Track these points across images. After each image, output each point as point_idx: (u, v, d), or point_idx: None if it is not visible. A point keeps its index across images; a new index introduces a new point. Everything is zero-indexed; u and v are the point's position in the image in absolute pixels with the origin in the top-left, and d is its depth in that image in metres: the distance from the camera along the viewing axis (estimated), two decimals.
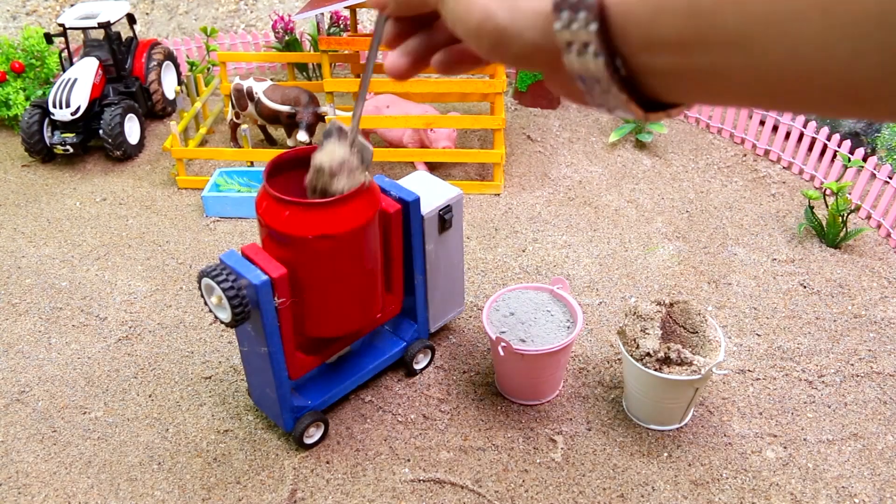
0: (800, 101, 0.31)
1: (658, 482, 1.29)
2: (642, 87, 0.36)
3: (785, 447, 1.34)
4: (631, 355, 1.31)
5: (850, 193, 1.96)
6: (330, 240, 1.16)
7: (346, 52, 2.54)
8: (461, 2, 0.42)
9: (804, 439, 1.36)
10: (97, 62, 2.37)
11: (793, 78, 0.30)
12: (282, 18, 2.74)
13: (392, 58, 0.52)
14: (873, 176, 1.95)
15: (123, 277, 1.84)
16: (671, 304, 1.37)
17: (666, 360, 1.28)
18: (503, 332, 1.38)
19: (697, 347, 1.34)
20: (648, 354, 1.29)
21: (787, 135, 2.23)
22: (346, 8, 2.15)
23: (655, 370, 1.28)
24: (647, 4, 0.33)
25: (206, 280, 1.15)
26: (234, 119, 2.31)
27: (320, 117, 2.20)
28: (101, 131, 2.26)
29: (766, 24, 0.29)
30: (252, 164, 2.21)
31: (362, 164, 1.08)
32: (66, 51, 2.43)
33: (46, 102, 2.27)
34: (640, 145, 2.33)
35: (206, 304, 1.18)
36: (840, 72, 0.28)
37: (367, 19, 3.19)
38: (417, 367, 1.51)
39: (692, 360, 1.26)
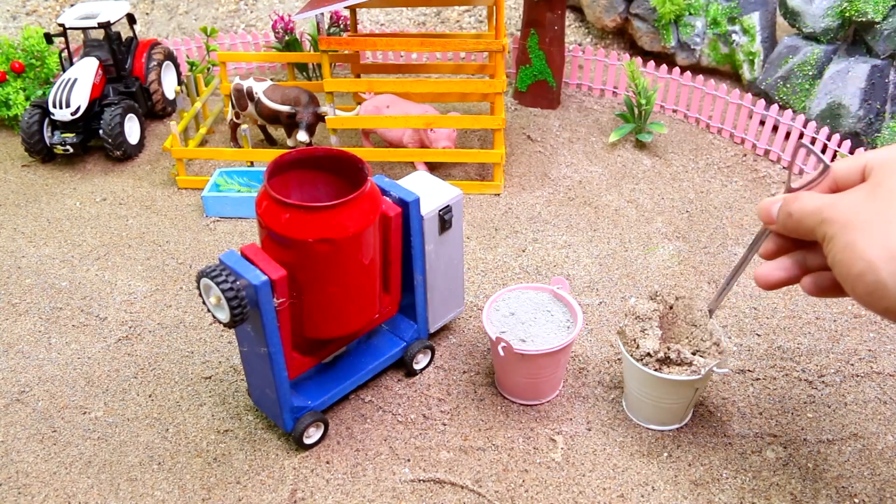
0: None
1: (658, 482, 1.29)
2: None
3: (785, 447, 1.35)
4: (631, 355, 1.31)
5: None
6: (330, 243, 1.16)
7: (346, 52, 2.54)
8: (846, 249, 0.44)
9: (804, 439, 1.36)
10: (97, 62, 2.37)
11: None
12: (282, 18, 2.74)
13: (767, 269, 0.56)
14: None
15: (123, 277, 1.84)
16: (675, 298, 1.36)
17: (666, 361, 1.28)
18: (503, 332, 1.38)
19: (697, 340, 1.34)
20: (648, 354, 1.29)
21: (787, 135, 2.24)
22: (346, 8, 2.15)
23: (655, 370, 1.28)
24: None
25: (204, 280, 1.15)
26: (234, 119, 2.31)
27: (320, 117, 2.20)
28: (101, 131, 2.26)
29: None
30: (252, 164, 2.21)
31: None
32: (66, 51, 2.43)
33: (46, 102, 2.27)
34: (640, 145, 2.33)
35: (204, 304, 1.18)
36: None
37: (368, 19, 3.19)
38: (417, 367, 1.51)
39: (692, 360, 1.26)
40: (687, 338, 1.35)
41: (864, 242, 0.42)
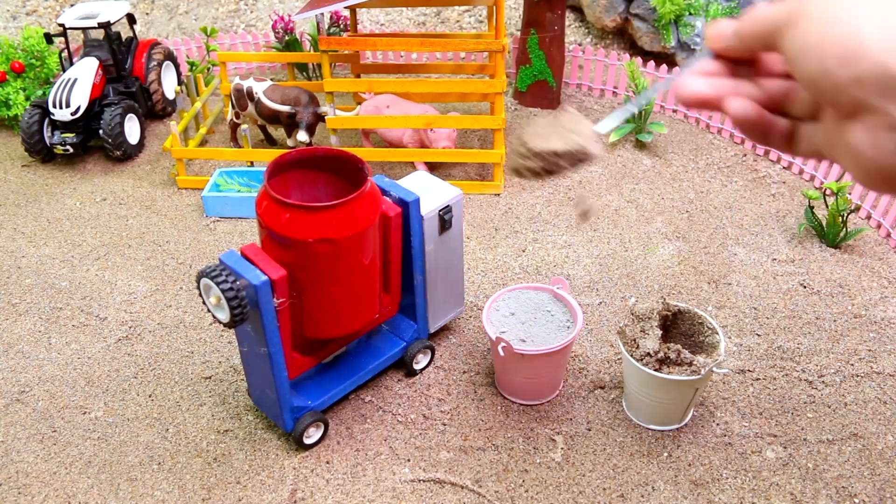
0: None
1: (658, 482, 1.29)
2: None
3: (785, 447, 1.34)
4: (631, 355, 1.31)
5: (850, 193, 1.96)
6: (330, 243, 1.16)
7: (346, 52, 2.54)
8: (823, 18, 0.38)
9: (804, 439, 1.36)
10: (97, 62, 2.37)
11: None
12: (282, 18, 2.74)
13: (692, 81, 0.49)
14: None
15: (123, 277, 1.84)
16: (673, 314, 1.37)
17: (666, 361, 1.28)
18: (503, 332, 1.38)
19: (696, 347, 1.34)
20: (648, 354, 1.29)
21: None
22: (346, 8, 2.15)
23: (655, 370, 1.28)
24: None
25: (204, 280, 1.15)
26: (234, 119, 2.31)
27: (320, 117, 2.20)
28: (101, 131, 2.26)
29: None
30: (252, 164, 2.21)
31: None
32: (66, 51, 2.43)
33: (46, 102, 2.27)
34: (640, 145, 2.33)
35: (204, 304, 1.18)
36: None
37: (368, 19, 3.19)
38: (417, 367, 1.51)
39: (692, 360, 1.26)
40: (686, 337, 1.35)
41: (852, 4, 0.37)
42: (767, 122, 0.47)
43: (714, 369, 1.26)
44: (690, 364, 1.26)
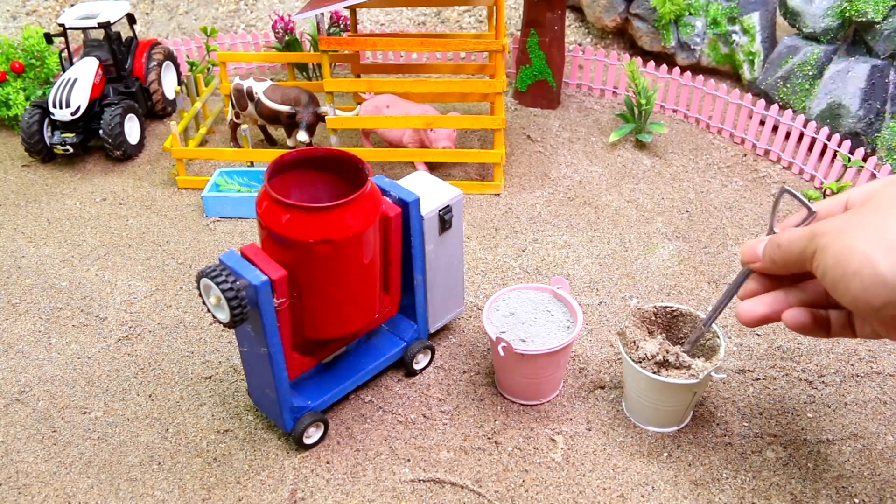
0: None
1: (658, 482, 1.29)
2: None
3: (785, 447, 1.35)
4: (630, 357, 1.31)
5: None
6: (330, 244, 1.16)
7: (346, 52, 2.54)
8: (841, 251, 0.43)
9: (804, 439, 1.36)
10: (97, 62, 2.37)
11: None
12: (282, 18, 2.74)
13: (749, 305, 0.55)
14: (873, 176, 1.95)
15: (123, 277, 1.84)
16: (674, 316, 1.37)
17: (664, 363, 1.28)
18: (503, 332, 1.38)
19: (697, 349, 1.34)
20: (647, 357, 1.29)
21: (787, 135, 2.24)
22: (346, 8, 2.15)
23: (654, 373, 1.28)
24: None
25: (204, 280, 1.15)
26: (234, 119, 2.31)
27: (320, 117, 2.20)
28: (101, 131, 2.26)
29: None
30: (252, 164, 2.21)
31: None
32: (66, 51, 2.43)
33: (46, 102, 2.27)
34: (640, 145, 2.33)
35: (204, 304, 1.18)
36: None
37: (368, 19, 3.19)
38: (417, 367, 1.51)
39: (690, 363, 1.26)
40: (686, 337, 1.35)
41: (860, 240, 0.41)
42: (822, 319, 0.53)
43: (712, 374, 1.26)
44: (689, 367, 1.26)
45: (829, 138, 2.12)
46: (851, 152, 2.02)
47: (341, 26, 2.75)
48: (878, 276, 0.40)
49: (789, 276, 0.53)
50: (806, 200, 0.60)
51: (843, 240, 0.43)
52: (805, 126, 2.17)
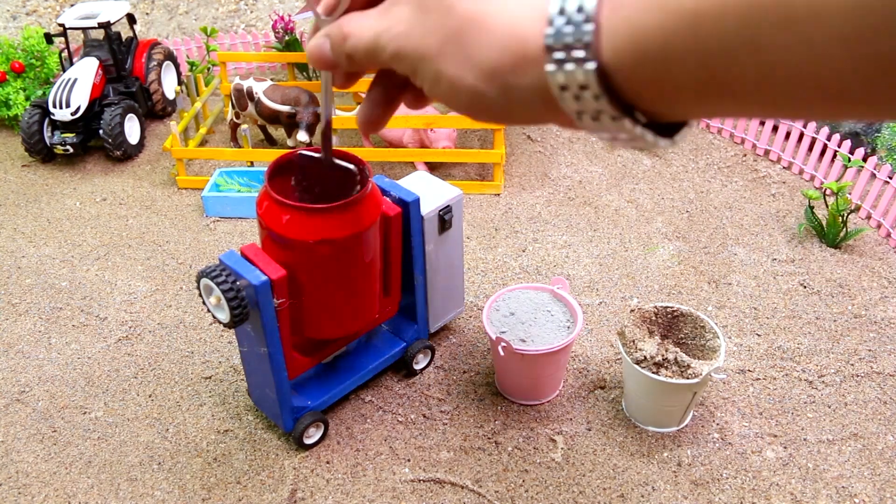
0: (804, 106, 0.32)
1: (658, 482, 1.29)
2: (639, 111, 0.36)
3: (785, 447, 1.34)
4: (630, 357, 1.31)
5: (850, 193, 1.96)
6: (331, 244, 1.16)
7: None
8: (439, 83, 0.40)
9: (804, 439, 1.36)
10: (97, 62, 2.37)
11: (799, 83, 0.30)
12: (282, 18, 2.74)
13: (364, 112, 0.51)
14: (873, 176, 1.95)
15: (123, 277, 1.84)
16: (675, 316, 1.37)
17: (664, 364, 1.28)
18: (503, 332, 1.38)
19: (698, 350, 1.34)
20: (646, 357, 1.29)
21: (787, 135, 2.23)
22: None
23: (653, 373, 1.28)
24: (649, 46, 0.33)
25: (204, 280, 1.15)
26: (234, 119, 2.31)
27: (320, 117, 2.20)
28: (101, 131, 2.26)
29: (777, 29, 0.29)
30: (252, 164, 2.21)
31: None
32: (66, 51, 2.43)
33: (46, 102, 2.27)
34: None
35: (204, 304, 1.18)
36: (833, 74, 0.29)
37: None
38: (417, 367, 1.51)
39: (689, 363, 1.26)
40: (688, 339, 1.35)
41: (452, 71, 0.39)
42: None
43: (712, 374, 1.26)
44: (688, 367, 1.26)
45: (829, 138, 2.12)
46: (851, 152, 2.01)
47: None
48: (492, 108, 0.39)
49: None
50: None
51: (433, 67, 0.39)
52: (805, 126, 2.17)
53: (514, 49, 0.37)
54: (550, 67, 0.35)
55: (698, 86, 0.32)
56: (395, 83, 0.50)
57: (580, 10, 0.34)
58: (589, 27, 0.33)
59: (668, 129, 0.38)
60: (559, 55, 0.35)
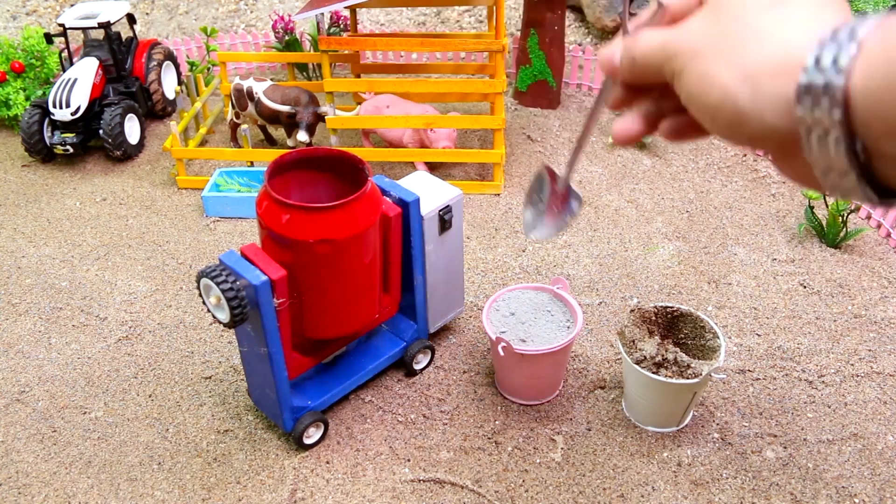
0: None
1: (658, 482, 1.29)
2: (876, 173, 0.37)
3: (785, 447, 1.34)
4: (630, 357, 1.31)
5: None
6: (331, 244, 1.16)
7: (346, 52, 2.54)
8: (700, 80, 0.42)
9: (804, 439, 1.36)
10: (97, 62, 2.37)
11: None
12: (282, 18, 2.74)
13: (624, 122, 0.53)
14: None
15: (123, 277, 1.84)
16: (675, 316, 1.37)
17: (663, 364, 1.28)
18: (503, 332, 1.38)
19: (698, 350, 1.34)
20: (646, 357, 1.29)
21: None
22: (346, 8, 2.15)
23: (653, 373, 1.28)
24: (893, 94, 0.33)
25: (204, 280, 1.15)
26: (234, 119, 2.31)
27: (320, 117, 2.20)
28: (101, 131, 2.26)
29: None
30: (252, 164, 2.21)
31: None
32: (66, 51, 2.43)
33: (46, 102, 2.27)
34: (641, 145, 2.33)
35: (204, 304, 1.18)
36: None
37: (367, 19, 3.19)
38: (417, 367, 1.51)
39: (689, 363, 1.26)
40: (688, 339, 1.35)
41: (716, 69, 0.40)
42: (692, 125, 0.50)
43: (711, 374, 1.26)
44: (688, 367, 1.26)
45: None
46: None
47: (341, 26, 2.75)
48: (738, 109, 0.39)
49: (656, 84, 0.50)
50: None
51: (699, 67, 0.41)
52: None
53: (779, 59, 0.39)
54: (803, 79, 0.37)
55: None
56: (662, 107, 0.52)
57: (834, 62, 0.36)
58: (840, 80, 0.35)
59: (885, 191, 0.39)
60: (815, 85, 0.36)
